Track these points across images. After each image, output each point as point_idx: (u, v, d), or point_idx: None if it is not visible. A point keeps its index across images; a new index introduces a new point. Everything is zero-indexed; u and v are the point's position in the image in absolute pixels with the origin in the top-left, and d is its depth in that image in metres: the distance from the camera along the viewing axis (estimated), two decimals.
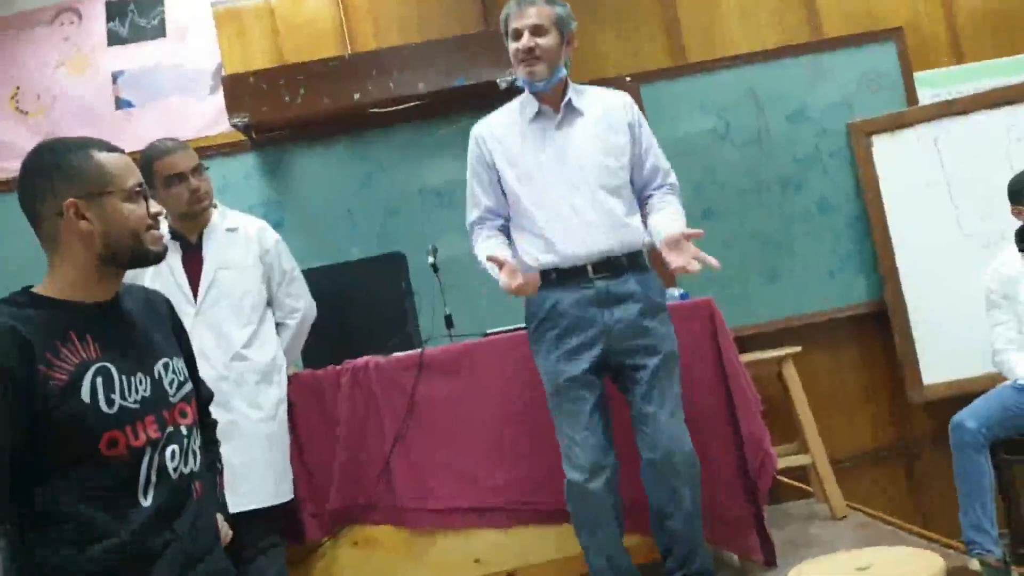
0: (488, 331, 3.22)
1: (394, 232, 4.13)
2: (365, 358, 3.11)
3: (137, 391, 1.61)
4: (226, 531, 1.89)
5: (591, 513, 2.63)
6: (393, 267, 3.45)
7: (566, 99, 2.70)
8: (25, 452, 1.50)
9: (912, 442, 4.23)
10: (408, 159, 4.18)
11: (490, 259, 2.55)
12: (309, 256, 3.73)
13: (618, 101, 2.76)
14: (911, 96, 4.20)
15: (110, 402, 1.55)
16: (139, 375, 1.63)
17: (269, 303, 3.04)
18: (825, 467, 3.53)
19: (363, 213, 4.16)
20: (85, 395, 1.53)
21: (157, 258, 1.69)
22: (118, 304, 1.69)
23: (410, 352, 3.12)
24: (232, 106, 3.85)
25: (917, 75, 4.22)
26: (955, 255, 3.97)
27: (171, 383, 1.69)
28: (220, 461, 2.00)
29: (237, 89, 3.86)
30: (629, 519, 2.75)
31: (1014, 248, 3.40)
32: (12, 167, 4.18)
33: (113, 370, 1.58)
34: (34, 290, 1.62)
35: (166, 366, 1.70)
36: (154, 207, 1.67)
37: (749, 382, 2.99)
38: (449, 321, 3.34)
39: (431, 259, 3.32)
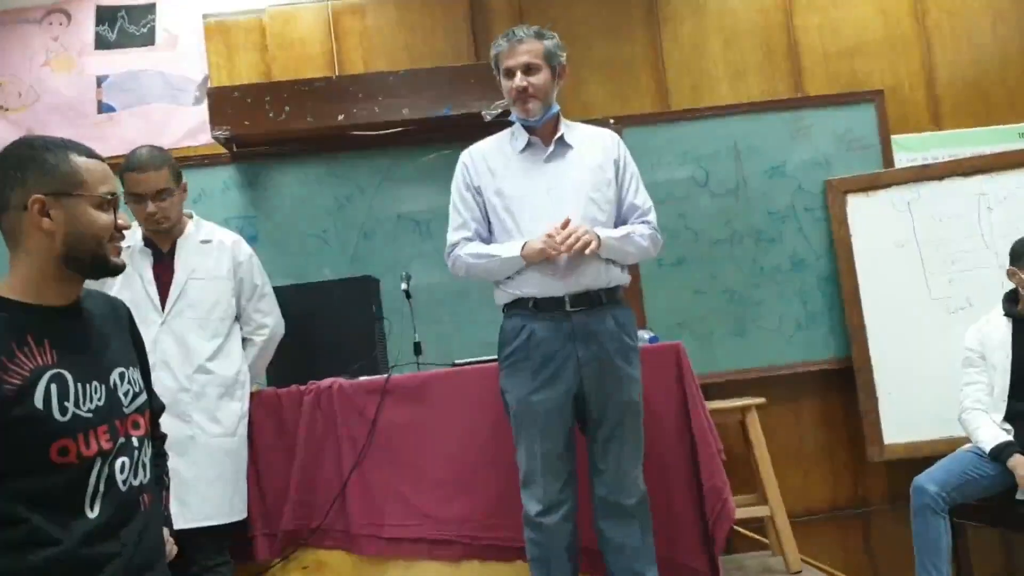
0: (457, 361, 3.21)
1: (368, 256, 4.12)
2: (330, 380, 3.08)
3: (91, 399, 1.58)
4: (171, 547, 1.86)
5: (545, 547, 2.62)
6: (365, 290, 3.44)
7: (558, 134, 2.72)
8: None
9: (869, 500, 4.25)
10: (387, 184, 4.18)
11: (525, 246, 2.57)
12: (281, 273, 3.71)
13: (607, 138, 2.80)
14: (888, 158, 4.27)
15: (63, 410, 1.53)
16: (94, 383, 1.60)
17: (237, 317, 3.01)
18: (783, 520, 3.53)
19: (338, 235, 4.15)
20: (38, 401, 1.50)
21: (116, 269, 1.68)
22: (78, 309, 1.67)
23: (376, 377, 3.10)
24: (215, 118, 3.85)
25: (895, 138, 4.30)
26: (922, 317, 4.02)
27: (126, 393, 1.67)
28: (167, 475, 1.98)
29: (222, 102, 3.86)
30: (586, 559, 2.73)
31: (999, 311, 3.43)
32: None
33: (68, 377, 1.56)
34: None
35: (122, 376, 1.68)
36: (122, 220, 1.66)
37: (713, 430, 2.99)
38: (418, 348, 3.32)
39: (404, 285, 3.31)
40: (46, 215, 1.58)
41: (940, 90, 4.41)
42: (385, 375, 3.08)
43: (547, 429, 2.60)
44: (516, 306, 2.68)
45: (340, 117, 3.90)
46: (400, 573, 2.97)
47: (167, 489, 1.95)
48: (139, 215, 2.84)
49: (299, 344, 3.24)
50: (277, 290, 3.16)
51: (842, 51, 4.40)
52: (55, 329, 1.59)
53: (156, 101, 4.23)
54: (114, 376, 1.66)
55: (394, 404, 3.01)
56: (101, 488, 1.57)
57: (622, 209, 2.76)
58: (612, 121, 4.14)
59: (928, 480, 3.24)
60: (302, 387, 3.06)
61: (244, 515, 2.89)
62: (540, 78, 2.66)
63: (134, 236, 2.98)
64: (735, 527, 3.66)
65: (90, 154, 1.64)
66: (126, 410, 1.66)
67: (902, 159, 4.28)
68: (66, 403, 1.54)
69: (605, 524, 2.66)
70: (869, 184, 4.15)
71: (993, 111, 4.40)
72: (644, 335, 3.22)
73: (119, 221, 1.65)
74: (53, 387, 1.53)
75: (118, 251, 1.67)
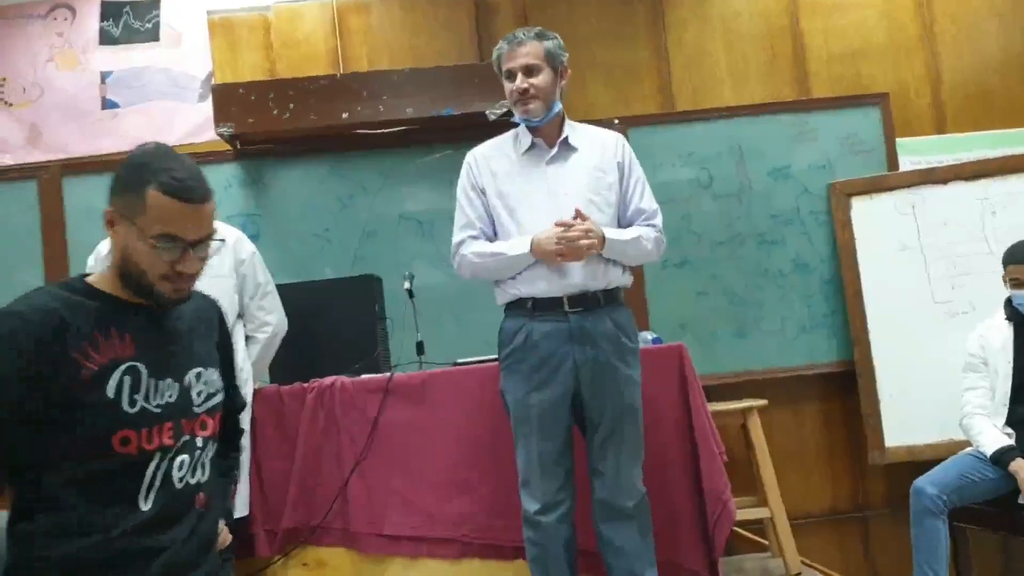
0: (459, 360, 3.20)
1: (370, 256, 4.12)
2: (332, 377, 3.08)
3: (163, 396, 1.61)
4: (224, 536, 1.88)
5: (544, 546, 2.63)
6: (368, 289, 3.43)
7: (563, 136, 2.73)
8: (38, 432, 1.51)
9: (869, 504, 4.25)
10: (390, 184, 4.18)
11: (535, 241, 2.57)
12: (283, 271, 3.71)
13: (611, 140, 2.79)
14: (892, 162, 4.27)
15: (132, 402, 1.57)
16: (168, 380, 1.63)
17: (240, 315, 3.01)
18: (783, 522, 3.53)
19: (340, 234, 4.15)
20: (110, 390, 1.55)
21: (167, 306, 1.67)
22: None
23: (378, 375, 3.10)
24: (219, 115, 3.85)
25: (899, 141, 4.29)
26: (925, 321, 4.02)
27: (199, 393, 1.69)
28: (238, 470, 2.04)
29: (226, 99, 3.86)
30: (586, 560, 2.73)
31: (1002, 315, 3.43)
32: None
33: (143, 372, 1.60)
34: (90, 279, 1.66)
35: (198, 376, 1.70)
36: (184, 266, 1.60)
37: (715, 431, 2.99)
38: (420, 348, 3.32)
39: (407, 284, 3.30)
40: (112, 227, 1.62)
41: (944, 94, 4.41)
42: (387, 374, 3.08)
43: (544, 429, 2.60)
44: (515, 306, 2.68)
45: (344, 115, 3.90)
46: (400, 571, 2.97)
47: (236, 483, 2.01)
48: None
49: (301, 342, 3.24)
50: (279, 288, 3.16)
51: (846, 55, 4.40)
52: (139, 324, 1.63)
53: (160, 98, 4.23)
54: (190, 376, 1.68)
55: (396, 403, 3.01)
56: (157, 483, 1.59)
57: (627, 212, 2.76)
58: (616, 122, 4.14)
59: (928, 482, 3.24)
60: (304, 385, 3.06)
61: (246, 512, 2.89)
62: (541, 79, 2.66)
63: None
64: (735, 528, 3.65)
65: (178, 191, 1.56)
66: (196, 410, 1.68)
67: (906, 163, 4.28)
68: (136, 396, 1.57)
69: (605, 526, 2.65)
70: (873, 187, 4.14)
71: (997, 115, 4.40)
72: (647, 336, 3.22)
73: (178, 266, 1.60)
74: (126, 379, 1.57)
75: (174, 291, 1.63)
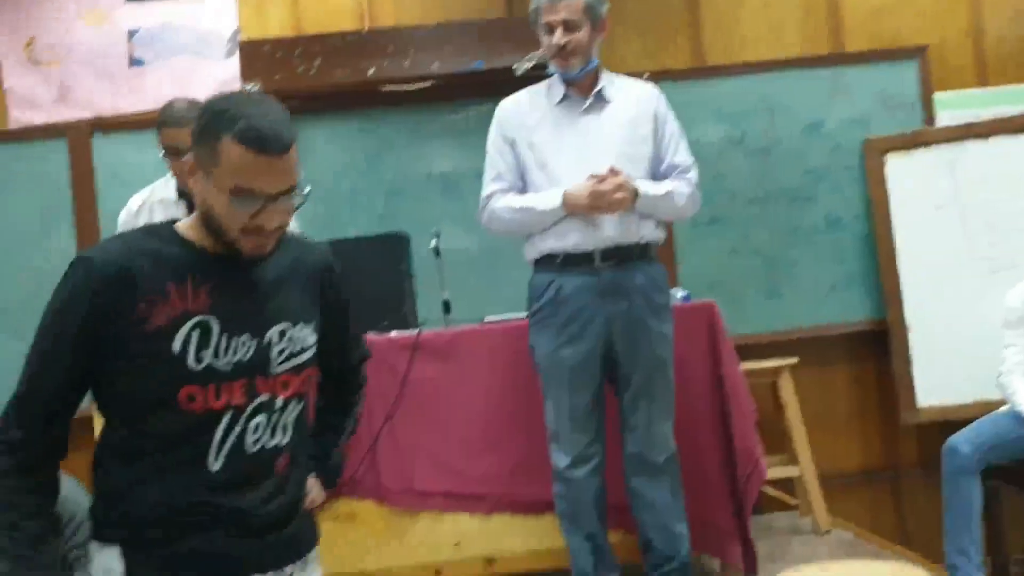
0: (487, 318, 3.19)
1: (396, 214, 4.11)
2: None
3: (235, 353, 1.51)
4: (315, 495, 1.76)
5: (573, 501, 2.64)
6: (395, 247, 3.42)
7: (598, 87, 2.68)
8: (105, 384, 1.49)
9: (900, 464, 4.22)
10: (417, 141, 4.15)
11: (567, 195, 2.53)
12: (309, 229, 3.67)
13: (646, 92, 2.75)
14: (929, 117, 4.16)
15: (199, 358, 1.48)
16: (244, 337, 1.52)
17: None
18: (813, 481, 3.51)
19: (366, 192, 4.13)
20: (176, 345, 1.47)
21: (250, 258, 1.53)
22: (254, 259, 1.56)
23: (406, 333, 3.10)
24: (246, 72, 3.84)
25: (938, 96, 4.19)
26: (961, 279, 3.94)
27: (281, 351, 1.57)
28: (350, 422, 1.91)
29: (253, 55, 3.84)
30: (616, 515, 2.73)
31: None
32: (25, 117, 4.17)
33: (214, 327, 1.50)
34: (177, 225, 1.57)
35: (282, 333, 1.57)
36: (263, 220, 1.47)
37: (746, 390, 2.97)
38: (447, 306, 3.32)
39: (434, 242, 3.29)
40: (193, 175, 1.51)
41: (987, 46, 4.28)
42: (415, 331, 3.07)
43: (574, 384, 2.59)
44: (545, 261, 2.66)
45: (370, 71, 3.87)
46: (430, 525, 2.99)
47: (346, 435, 1.90)
48: (177, 171, 2.86)
49: None
50: None
51: (884, 8, 4.28)
52: (220, 276, 1.53)
53: (186, 55, 4.21)
54: (272, 332, 1.56)
55: (424, 360, 3.01)
56: (228, 443, 1.50)
57: (662, 166, 2.72)
58: (645, 76, 4.07)
59: (961, 440, 3.20)
60: None
61: None
62: (580, 34, 2.62)
63: (167, 187, 2.99)
64: (763, 488, 3.64)
65: (253, 142, 1.43)
66: (274, 369, 1.55)
67: (944, 118, 4.17)
68: (203, 352, 1.48)
69: (636, 481, 2.66)
70: (910, 143, 4.05)
71: None
72: (677, 294, 3.19)
73: (257, 221, 1.47)
74: (195, 334, 1.48)
75: (255, 246, 1.50)
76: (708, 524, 2.92)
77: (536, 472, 2.89)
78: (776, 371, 3.59)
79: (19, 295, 3.95)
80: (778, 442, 3.72)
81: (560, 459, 2.63)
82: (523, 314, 2.80)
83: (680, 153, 2.72)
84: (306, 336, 1.62)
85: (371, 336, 3.07)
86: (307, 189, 1.55)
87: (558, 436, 2.64)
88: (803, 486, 3.56)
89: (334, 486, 1.85)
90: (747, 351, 3.88)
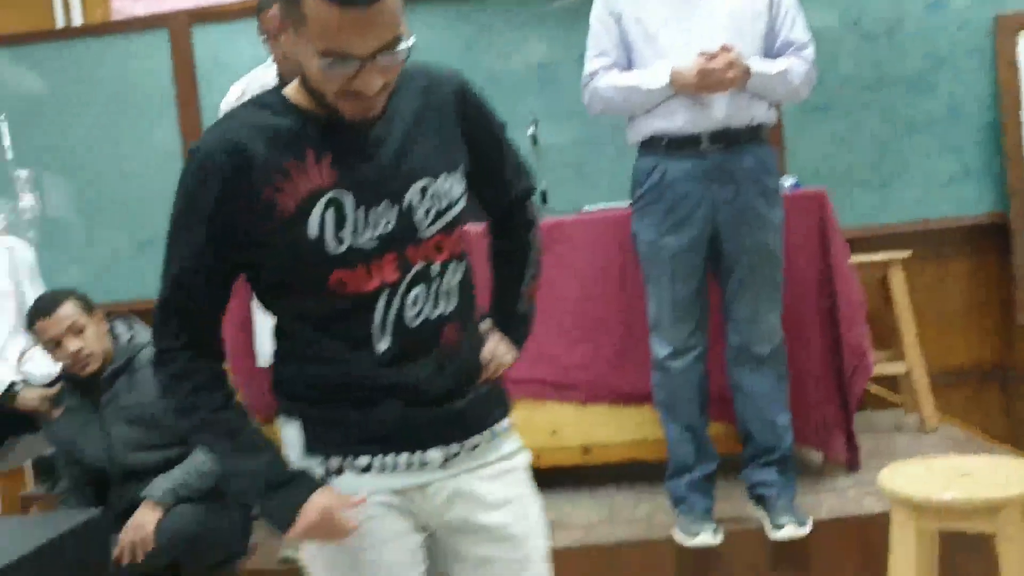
0: (584, 207, 3.14)
1: (492, 102, 4.01)
2: None
3: (376, 226, 1.35)
4: (502, 357, 1.57)
5: (672, 391, 2.61)
6: None
7: None
8: (249, 279, 1.42)
9: (1014, 363, 4.05)
10: (513, 28, 4.04)
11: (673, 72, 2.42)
12: None
13: None
14: None
15: (339, 240, 1.34)
16: (383, 205, 1.36)
17: None
18: (923, 378, 3.40)
19: None
20: (312, 230, 1.33)
21: (353, 124, 1.35)
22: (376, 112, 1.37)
23: None
24: None
25: None
26: None
27: (427, 212, 1.39)
28: (530, 266, 1.65)
29: None
30: (717, 407, 2.70)
31: None
32: (127, 8, 4.22)
33: (347, 202, 1.34)
34: (286, 90, 1.39)
35: (423, 190, 1.39)
36: (360, 84, 1.28)
37: (856, 283, 2.87)
38: (544, 197, 3.28)
39: (532, 130, 3.24)
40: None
41: None
42: None
43: (677, 272, 2.53)
44: (649, 145, 2.56)
45: None
46: (526, 414, 2.99)
47: (530, 279, 1.65)
48: (276, 54, 2.80)
49: None
50: None
51: None
52: (339, 141, 1.35)
53: None
54: (411, 194, 1.38)
55: None
56: (390, 322, 1.38)
57: (776, 43, 2.55)
58: None
59: None
60: None
61: None
62: None
63: (268, 73, 2.93)
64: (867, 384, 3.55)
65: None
66: (424, 233, 1.39)
67: None
68: (342, 233, 1.34)
69: (738, 371, 2.61)
70: None
71: None
72: (786, 181, 3.07)
73: (355, 84, 1.28)
74: (329, 214, 1.33)
75: (354, 108, 1.31)
76: (811, 417, 2.88)
77: (634, 363, 2.87)
78: (886, 264, 3.45)
79: (124, 192, 4.10)
80: (883, 338, 3.60)
81: (660, 348, 2.60)
82: (622, 204, 2.73)
83: (796, 29, 2.55)
84: (452, 187, 1.43)
85: (469, 226, 3.06)
86: (411, 40, 1.31)
87: (659, 325, 2.59)
88: (909, 383, 3.46)
89: (523, 342, 1.65)
90: (857, 244, 3.73)
